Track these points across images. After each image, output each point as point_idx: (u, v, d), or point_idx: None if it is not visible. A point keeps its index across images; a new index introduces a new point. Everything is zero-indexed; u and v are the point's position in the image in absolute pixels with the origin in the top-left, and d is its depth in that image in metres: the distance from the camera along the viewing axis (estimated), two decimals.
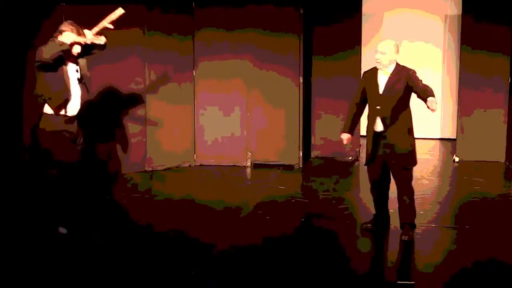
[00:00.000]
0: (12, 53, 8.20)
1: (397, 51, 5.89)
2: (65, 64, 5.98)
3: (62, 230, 6.06)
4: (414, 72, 5.86)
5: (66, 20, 6.14)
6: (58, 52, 5.75)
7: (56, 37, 5.88)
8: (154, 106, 8.64)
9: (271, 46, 8.81)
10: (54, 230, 6.03)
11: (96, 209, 6.90)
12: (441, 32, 10.92)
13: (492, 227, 6.39)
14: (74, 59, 6.07)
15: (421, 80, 5.76)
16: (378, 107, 5.89)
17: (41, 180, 6.39)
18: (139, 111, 8.59)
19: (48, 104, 5.93)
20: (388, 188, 6.17)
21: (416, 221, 6.10)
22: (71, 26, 5.95)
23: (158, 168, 8.79)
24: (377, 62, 5.89)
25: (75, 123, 6.15)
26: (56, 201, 6.09)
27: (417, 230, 6.20)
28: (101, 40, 6.09)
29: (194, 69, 8.96)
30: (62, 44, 5.79)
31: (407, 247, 5.88)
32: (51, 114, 5.97)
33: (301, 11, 8.75)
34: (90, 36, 5.97)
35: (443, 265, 5.46)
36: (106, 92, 8.18)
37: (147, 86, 8.56)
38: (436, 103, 5.41)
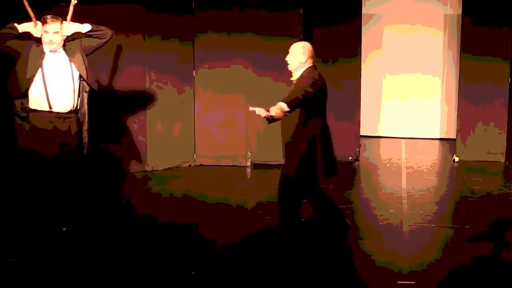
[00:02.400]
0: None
1: (308, 55, 5.45)
2: (40, 56, 5.80)
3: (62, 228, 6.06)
4: (305, 76, 5.42)
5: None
6: (10, 36, 5.67)
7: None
8: (154, 107, 8.63)
9: (270, 50, 8.78)
10: (54, 228, 6.04)
11: (96, 208, 6.90)
12: (441, 33, 10.90)
13: (492, 227, 6.39)
14: (56, 50, 5.86)
15: (305, 84, 5.34)
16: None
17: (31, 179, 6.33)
18: (140, 113, 8.58)
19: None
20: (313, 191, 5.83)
21: (417, 221, 6.07)
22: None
23: (158, 168, 8.78)
24: (287, 64, 5.49)
25: (68, 121, 5.92)
26: (53, 199, 6.08)
27: (417, 230, 6.19)
28: (84, 28, 5.92)
29: (194, 72, 8.95)
30: (13, 28, 5.74)
31: (407, 247, 5.88)
32: (37, 110, 5.81)
33: (301, 11, 8.73)
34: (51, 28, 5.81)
35: (443, 265, 5.46)
36: (107, 95, 8.17)
37: (147, 88, 8.56)
38: (277, 108, 5.02)
